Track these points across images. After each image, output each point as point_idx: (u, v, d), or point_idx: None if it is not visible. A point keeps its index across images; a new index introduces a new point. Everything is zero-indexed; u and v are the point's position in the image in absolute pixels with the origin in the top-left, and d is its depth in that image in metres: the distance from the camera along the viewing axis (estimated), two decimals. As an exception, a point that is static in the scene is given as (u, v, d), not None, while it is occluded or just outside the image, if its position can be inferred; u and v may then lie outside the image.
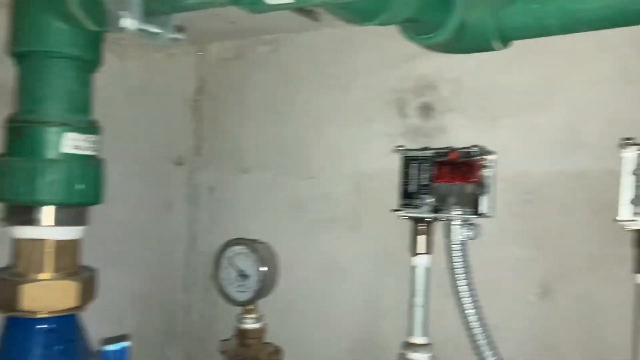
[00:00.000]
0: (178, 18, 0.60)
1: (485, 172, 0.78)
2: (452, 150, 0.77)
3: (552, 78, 0.82)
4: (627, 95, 0.77)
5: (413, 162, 0.80)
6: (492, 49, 0.66)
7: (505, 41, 0.65)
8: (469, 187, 0.76)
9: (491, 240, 0.85)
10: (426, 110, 0.92)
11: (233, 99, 1.13)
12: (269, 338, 0.96)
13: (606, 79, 0.79)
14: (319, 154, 1.02)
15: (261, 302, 1.02)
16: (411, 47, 0.66)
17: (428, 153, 0.79)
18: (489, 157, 0.78)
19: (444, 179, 0.77)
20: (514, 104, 0.85)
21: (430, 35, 0.62)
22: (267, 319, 1.00)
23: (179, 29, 0.61)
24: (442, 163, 0.78)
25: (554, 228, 0.82)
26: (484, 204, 0.77)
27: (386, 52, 0.95)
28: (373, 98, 0.97)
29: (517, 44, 0.84)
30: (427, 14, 0.58)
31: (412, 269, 0.81)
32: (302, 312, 1.04)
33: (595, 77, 0.79)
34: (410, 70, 0.93)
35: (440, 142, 0.90)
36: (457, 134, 0.89)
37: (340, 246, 0.99)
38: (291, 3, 0.45)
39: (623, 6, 0.57)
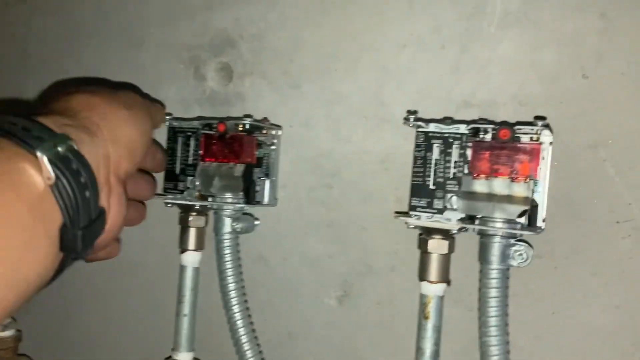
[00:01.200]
0: None
1: (265, 151, 0.63)
2: (221, 121, 0.61)
3: (361, 39, 0.68)
4: (440, 61, 0.64)
5: (180, 134, 0.64)
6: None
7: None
8: (241, 168, 0.61)
9: (291, 232, 0.71)
10: (225, 72, 0.76)
11: (15, 53, 0.92)
12: (38, 348, 0.79)
13: (418, 41, 0.65)
14: (107, 122, 0.84)
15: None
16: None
17: (195, 124, 0.63)
18: (272, 132, 0.63)
19: (213, 157, 0.62)
20: (319, 68, 0.70)
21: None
22: (45, 323, 0.82)
23: None
24: (211, 137, 0.62)
25: (357, 219, 0.68)
26: (263, 191, 0.62)
27: (180, 0, 0.78)
28: (167, 56, 0.79)
29: (324, -5, 0.69)
30: None
31: (180, 269, 0.65)
32: (85, 314, 0.87)
33: (407, 39, 0.65)
34: (207, 22, 0.76)
35: (240, 111, 0.74)
36: (257, 103, 0.73)
37: (128, 238, 0.82)
38: None
39: None
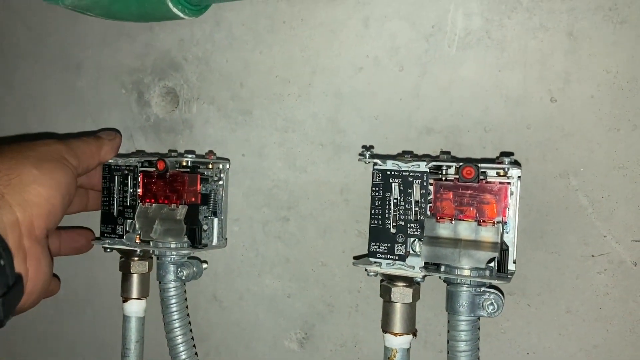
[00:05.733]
0: None
1: (212, 186, 0.57)
2: (161, 158, 0.55)
3: (314, 61, 0.63)
4: (399, 84, 0.59)
5: (116, 172, 0.58)
6: (176, 16, 0.44)
7: (192, 4, 0.44)
8: (184, 210, 0.55)
9: (246, 270, 0.66)
10: (170, 97, 0.70)
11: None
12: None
13: (375, 63, 0.60)
14: (44, 152, 0.77)
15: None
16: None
17: (133, 161, 0.57)
18: (219, 165, 0.58)
19: (152, 198, 0.56)
20: (271, 92, 0.65)
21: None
22: None
23: None
24: (150, 176, 0.56)
25: (316, 255, 0.63)
26: (211, 231, 0.57)
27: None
28: (107, 80, 0.73)
29: (271, 16, 0.64)
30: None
31: (124, 319, 0.59)
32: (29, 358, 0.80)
33: (363, 61, 0.61)
34: (149, 44, 0.70)
35: (187, 139, 0.68)
36: (206, 130, 0.68)
37: (77, 273, 0.76)
38: None
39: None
